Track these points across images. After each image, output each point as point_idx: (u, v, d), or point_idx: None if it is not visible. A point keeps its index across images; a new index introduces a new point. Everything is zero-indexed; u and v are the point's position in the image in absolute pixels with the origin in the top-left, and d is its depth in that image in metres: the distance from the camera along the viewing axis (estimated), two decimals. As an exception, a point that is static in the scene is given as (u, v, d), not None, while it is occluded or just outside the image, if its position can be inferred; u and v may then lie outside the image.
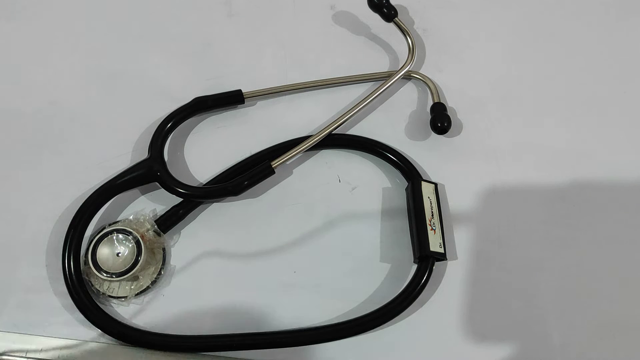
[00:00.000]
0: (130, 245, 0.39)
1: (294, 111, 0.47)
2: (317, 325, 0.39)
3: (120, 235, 0.39)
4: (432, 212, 0.41)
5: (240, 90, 0.45)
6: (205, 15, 0.51)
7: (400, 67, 0.46)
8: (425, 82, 0.48)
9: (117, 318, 0.39)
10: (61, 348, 0.39)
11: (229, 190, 0.41)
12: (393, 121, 0.47)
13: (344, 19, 0.51)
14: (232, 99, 0.45)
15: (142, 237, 0.39)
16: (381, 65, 0.49)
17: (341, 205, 0.43)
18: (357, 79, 0.48)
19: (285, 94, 0.47)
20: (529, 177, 0.44)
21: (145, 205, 0.43)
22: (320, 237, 0.42)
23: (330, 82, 0.47)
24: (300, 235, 0.42)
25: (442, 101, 0.46)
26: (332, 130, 0.43)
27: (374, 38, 0.51)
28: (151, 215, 0.42)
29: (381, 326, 0.38)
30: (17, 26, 0.50)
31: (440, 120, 0.44)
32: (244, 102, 0.46)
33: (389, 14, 0.47)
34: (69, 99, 0.47)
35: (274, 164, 0.42)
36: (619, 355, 0.39)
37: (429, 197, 0.41)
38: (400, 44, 0.49)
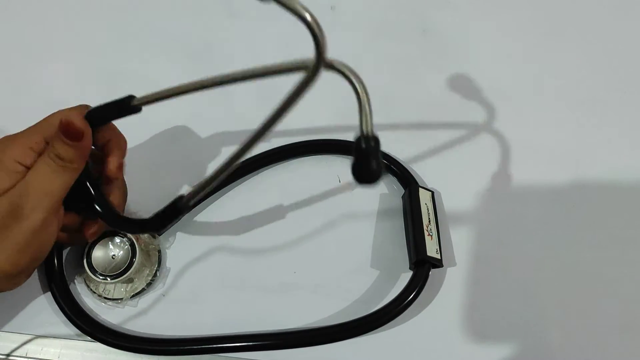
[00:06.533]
0: (125, 248, 0.39)
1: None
2: (313, 327, 0.39)
3: (116, 238, 0.39)
4: (429, 218, 0.41)
5: (131, 97, 0.34)
6: (205, 15, 0.51)
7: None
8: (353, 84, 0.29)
9: (116, 319, 0.39)
10: (61, 348, 0.39)
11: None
12: (392, 122, 0.47)
13: (344, 19, 0.51)
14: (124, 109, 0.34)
15: (137, 239, 0.39)
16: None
17: (341, 206, 0.43)
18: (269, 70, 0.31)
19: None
20: (528, 177, 0.44)
21: (141, 207, 0.43)
22: (320, 237, 0.42)
23: (226, 78, 0.31)
24: (300, 235, 0.42)
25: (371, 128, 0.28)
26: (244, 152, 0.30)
27: (375, 38, 0.50)
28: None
29: (380, 329, 0.38)
30: (17, 26, 0.50)
31: (364, 169, 0.28)
32: (140, 111, 0.34)
33: None
34: (69, 99, 0.46)
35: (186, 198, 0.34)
36: (619, 355, 0.39)
37: (426, 204, 0.41)
38: (404, 44, 0.49)
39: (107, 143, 0.37)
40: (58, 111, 0.36)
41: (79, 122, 0.33)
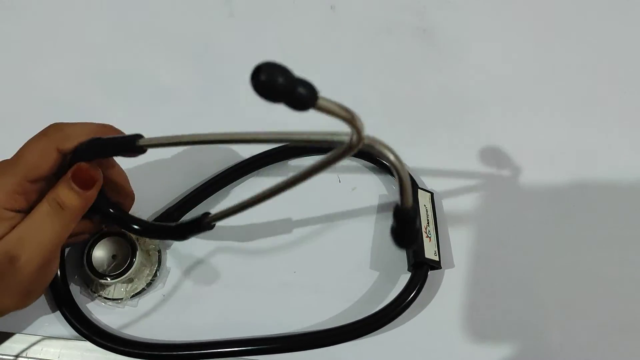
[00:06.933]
0: (126, 248, 0.39)
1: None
2: (312, 330, 0.39)
3: (116, 238, 0.39)
4: (427, 220, 0.41)
5: (137, 136, 0.32)
6: (205, 15, 0.51)
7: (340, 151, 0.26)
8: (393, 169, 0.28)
9: (115, 319, 0.39)
10: (61, 348, 0.39)
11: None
12: (391, 122, 0.47)
13: (344, 19, 0.51)
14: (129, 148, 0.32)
15: (137, 239, 0.39)
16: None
17: (341, 206, 0.43)
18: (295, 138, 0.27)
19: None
20: (528, 177, 0.44)
21: (141, 208, 0.43)
22: (320, 237, 0.42)
23: (248, 138, 0.29)
24: (300, 235, 0.42)
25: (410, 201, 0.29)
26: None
27: (375, 38, 0.50)
28: (146, 218, 0.42)
29: (377, 331, 0.38)
30: (16, 25, 0.50)
31: (404, 236, 0.30)
32: (144, 152, 0.32)
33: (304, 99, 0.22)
34: (69, 99, 0.47)
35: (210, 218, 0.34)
36: (619, 355, 0.39)
37: (424, 205, 0.41)
38: (404, 44, 0.49)
39: (115, 188, 0.36)
40: (28, 143, 0.33)
41: (94, 171, 0.32)
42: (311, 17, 0.52)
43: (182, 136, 0.30)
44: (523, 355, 0.39)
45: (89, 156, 0.33)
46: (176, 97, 0.46)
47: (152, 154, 0.44)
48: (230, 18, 0.51)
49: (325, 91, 0.52)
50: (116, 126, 0.36)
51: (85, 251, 0.39)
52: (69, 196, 0.31)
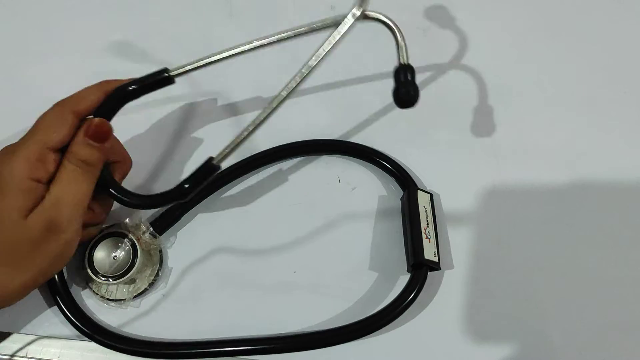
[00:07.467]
0: (127, 249, 0.39)
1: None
2: (312, 330, 0.39)
3: (116, 239, 0.39)
4: (427, 221, 0.41)
5: (164, 70, 0.35)
6: (205, 15, 0.51)
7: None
8: (390, 29, 0.36)
9: (118, 320, 0.39)
10: (61, 348, 0.39)
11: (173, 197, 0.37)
12: (391, 123, 0.47)
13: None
14: (159, 81, 0.35)
15: (138, 239, 0.39)
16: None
17: (340, 207, 0.43)
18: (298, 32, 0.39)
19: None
20: (528, 177, 0.44)
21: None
22: (320, 237, 0.42)
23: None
24: (300, 235, 0.42)
25: (407, 59, 0.34)
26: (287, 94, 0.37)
27: (375, 38, 0.50)
28: (146, 218, 0.42)
29: (377, 332, 0.38)
30: (15, 25, 0.50)
31: (405, 90, 0.34)
32: (174, 82, 0.36)
33: None
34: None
35: (216, 159, 0.35)
36: (619, 355, 0.39)
37: (424, 207, 0.41)
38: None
39: (113, 163, 0.37)
40: (43, 114, 0.34)
41: (106, 123, 0.34)
42: (311, 17, 0.51)
43: (207, 56, 0.36)
44: (523, 355, 0.39)
45: (118, 103, 0.35)
46: (176, 96, 0.46)
47: (155, 151, 0.44)
48: (230, 18, 0.51)
49: (326, 90, 0.52)
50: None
51: (87, 253, 0.39)
52: (89, 152, 0.33)
